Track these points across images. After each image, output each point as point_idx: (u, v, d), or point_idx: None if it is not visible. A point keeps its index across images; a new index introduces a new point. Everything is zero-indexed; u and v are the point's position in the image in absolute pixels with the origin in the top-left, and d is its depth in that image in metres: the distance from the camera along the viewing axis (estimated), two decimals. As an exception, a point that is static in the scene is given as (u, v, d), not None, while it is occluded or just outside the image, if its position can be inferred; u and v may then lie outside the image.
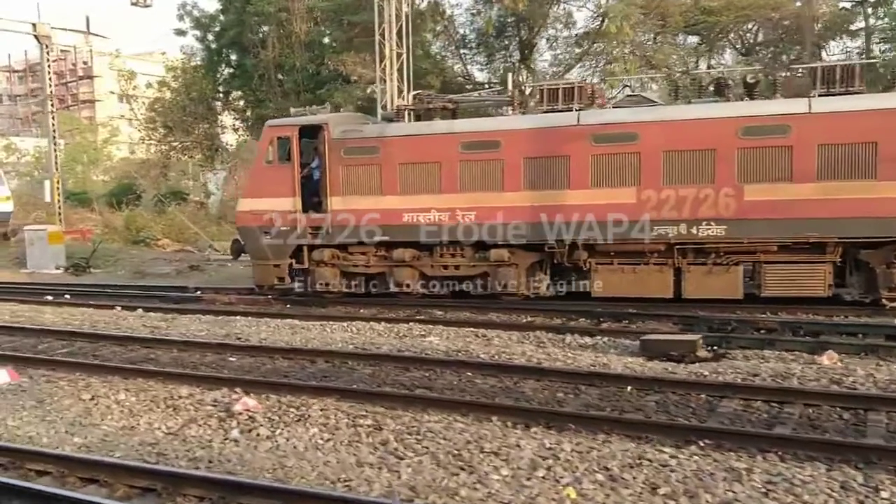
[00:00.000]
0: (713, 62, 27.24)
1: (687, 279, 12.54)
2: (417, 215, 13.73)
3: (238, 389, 7.84)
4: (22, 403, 7.61)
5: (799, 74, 12.81)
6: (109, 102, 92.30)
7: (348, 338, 10.95)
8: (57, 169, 28.56)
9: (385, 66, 17.95)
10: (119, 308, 14.76)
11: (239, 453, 6.08)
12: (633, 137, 12.43)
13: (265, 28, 33.75)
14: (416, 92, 16.16)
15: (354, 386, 7.99)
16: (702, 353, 9.35)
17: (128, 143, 79.25)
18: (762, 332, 10.96)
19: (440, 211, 13.58)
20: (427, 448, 5.98)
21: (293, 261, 14.76)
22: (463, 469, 5.57)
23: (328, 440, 6.29)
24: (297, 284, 15.26)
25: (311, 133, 14.57)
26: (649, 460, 5.53)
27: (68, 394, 7.92)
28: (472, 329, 11.35)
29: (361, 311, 13.87)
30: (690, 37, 26.93)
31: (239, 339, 11.01)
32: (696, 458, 5.58)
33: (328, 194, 14.25)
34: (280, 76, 33.61)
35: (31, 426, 6.90)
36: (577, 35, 25.48)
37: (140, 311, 14.37)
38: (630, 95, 13.53)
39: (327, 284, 14.66)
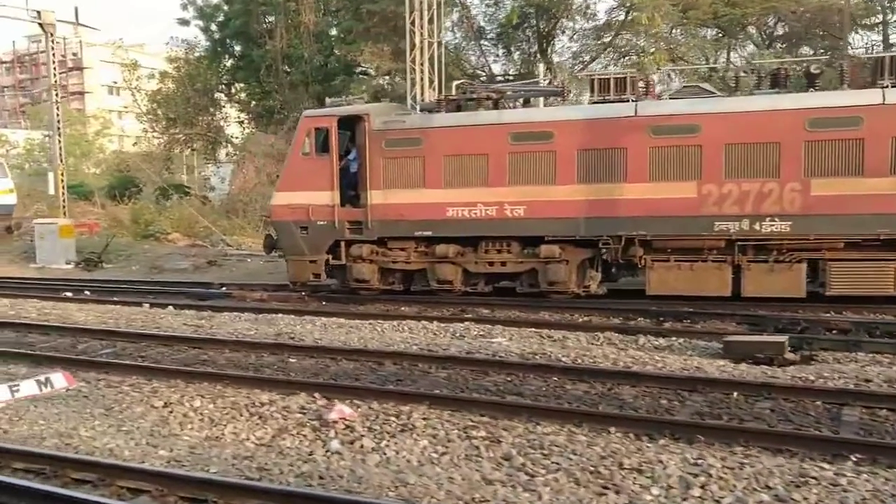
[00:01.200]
0: (733, 55, 26.85)
1: (746, 277, 12.10)
2: (462, 209, 13.21)
3: (315, 394, 7.34)
4: (90, 411, 7.05)
5: (866, 64, 12.36)
6: (99, 94, 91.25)
7: (406, 338, 10.43)
8: (61, 161, 27.75)
9: (415, 55, 17.39)
10: (147, 305, 14.15)
11: (348, 468, 5.56)
12: (695, 129, 11.96)
13: (272, 18, 33.07)
14: (459, 81, 15.65)
15: (461, 394, 7.48)
16: (788, 355, 8.92)
17: (119, 136, 78.27)
18: (834, 332, 10.56)
19: (487, 205, 13.07)
20: (558, 464, 5.49)
21: (329, 256, 14.21)
22: (607, 488, 5.08)
23: (443, 453, 5.79)
24: (332, 281, 14.72)
25: (349, 124, 14.02)
26: (814, 478, 5.06)
27: (136, 400, 7.36)
28: (534, 329, 10.84)
29: (403, 308, 13.34)
30: (709, 29, 26.53)
31: (292, 338, 10.46)
32: (864, 476, 5.12)
33: (368, 188, 13.70)
34: (287, 67, 32.92)
35: (108, 437, 6.34)
36: (599, 26, 24.94)
37: (171, 308, 13.79)
38: (687, 86, 13.06)
39: (364, 281, 14.12)
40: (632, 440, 5.98)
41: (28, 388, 7.57)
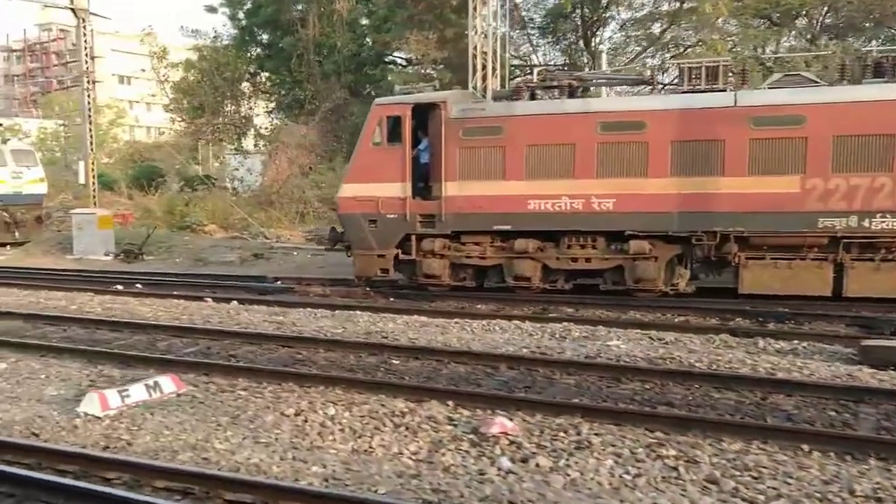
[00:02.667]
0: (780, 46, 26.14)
1: (850, 276, 11.48)
2: (545, 202, 12.60)
3: (449, 402, 6.76)
4: (215, 420, 6.45)
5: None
6: (110, 84, 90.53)
7: (506, 339, 9.82)
8: (92, 149, 27.15)
9: (476, 43, 16.71)
10: (209, 300, 13.55)
11: (534, 490, 4.98)
12: (800, 121, 11.32)
13: (304, 6, 32.38)
14: (540, 67, 15.02)
15: (620, 406, 6.92)
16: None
17: (132, 126, 77.66)
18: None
19: (573, 198, 12.45)
20: (776, 490, 4.89)
21: (399, 251, 13.62)
22: (851, 520, 4.50)
23: (636, 475, 5.19)
24: (397, 276, 14.14)
25: (422, 112, 13.39)
26: None
27: (261, 407, 6.76)
28: (640, 331, 10.22)
29: (479, 306, 12.77)
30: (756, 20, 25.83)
31: (385, 337, 9.87)
32: None
33: (443, 179, 13.08)
34: (319, 57, 32.26)
35: (247, 450, 5.76)
36: (649, 14, 24.23)
37: (235, 303, 13.18)
38: (788, 75, 12.41)
39: (434, 277, 13.52)
40: (836, 460, 5.38)
41: (138, 392, 6.98)
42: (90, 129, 27.40)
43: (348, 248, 14.68)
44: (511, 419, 6.15)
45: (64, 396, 7.30)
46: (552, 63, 26.37)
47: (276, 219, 26.26)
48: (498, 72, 16.89)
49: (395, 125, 13.32)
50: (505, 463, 5.46)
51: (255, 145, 35.92)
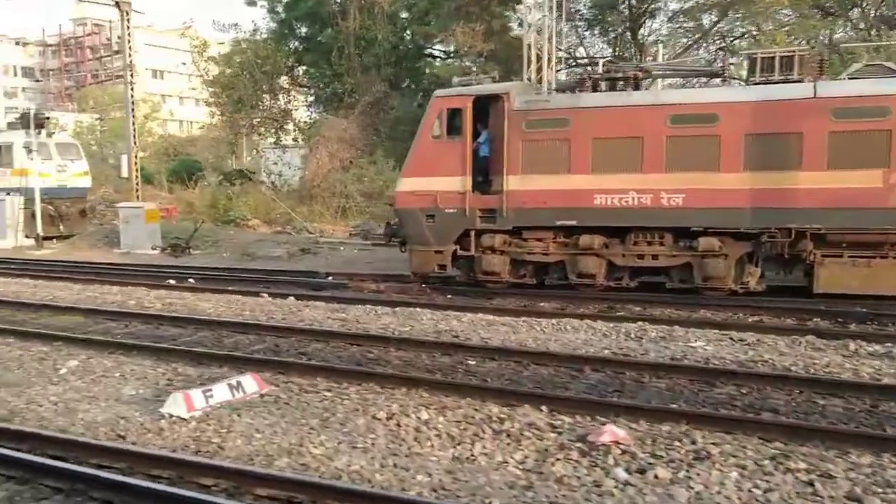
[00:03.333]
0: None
1: (935, 275, 11.01)
2: (612, 197, 12.23)
3: (542, 407, 6.48)
4: (305, 422, 6.22)
5: None
6: (143, 78, 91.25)
7: (581, 339, 9.50)
8: (135, 143, 27.24)
9: (532, 35, 16.35)
10: (265, 296, 13.38)
11: (661, 506, 4.67)
12: (885, 113, 10.84)
13: (342, -2, 32.20)
14: (605, 59, 14.63)
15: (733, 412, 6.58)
16: None
17: (165, 120, 78.14)
18: None
19: (640, 192, 12.07)
20: (929, 509, 4.54)
21: (457, 247, 13.34)
22: None
23: (767, 489, 4.86)
24: (457, 273, 13.86)
25: (484, 104, 13.08)
26: None
27: (349, 409, 6.52)
28: (718, 332, 9.83)
29: (542, 304, 12.44)
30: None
31: (456, 336, 9.61)
32: None
33: (505, 172, 12.77)
34: (358, 50, 32.04)
35: (345, 456, 5.51)
36: (700, 6, 23.65)
37: (292, 299, 13.00)
38: (870, 64, 11.93)
39: (493, 273, 13.23)
40: None
41: (221, 393, 6.78)
42: (133, 123, 27.51)
43: (402, 244, 14.47)
44: (619, 427, 5.83)
45: (143, 396, 7.13)
46: (597, 55, 25.86)
47: (318, 213, 26.13)
48: (553, 64, 16.50)
49: (455, 117, 13.04)
50: (621, 474, 5.16)
51: (294, 139, 35.83)
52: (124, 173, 27.66)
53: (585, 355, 8.44)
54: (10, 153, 24.96)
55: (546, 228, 12.80)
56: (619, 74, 12.93)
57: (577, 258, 12.69)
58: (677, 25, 24.88)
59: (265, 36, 35.25)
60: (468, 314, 11.23)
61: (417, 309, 11.70)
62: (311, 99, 36.54)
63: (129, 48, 27.55)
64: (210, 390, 6.74)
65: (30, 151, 22.30)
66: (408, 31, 32.01)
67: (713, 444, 5.55)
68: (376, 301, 12.50)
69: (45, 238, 23.30)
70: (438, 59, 34.22)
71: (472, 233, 13.15)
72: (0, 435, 6.00)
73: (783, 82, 11.63)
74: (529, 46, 16.18)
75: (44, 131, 24.18)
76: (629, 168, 12.11)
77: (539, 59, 16.25)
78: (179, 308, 11.98)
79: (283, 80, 35.96)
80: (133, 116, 27.37)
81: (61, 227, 24.89)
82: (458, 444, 5.77)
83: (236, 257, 19.88)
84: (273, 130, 36.43)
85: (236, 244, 21.40)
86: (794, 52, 12.10)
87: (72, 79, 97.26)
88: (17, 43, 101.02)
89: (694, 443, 5.58)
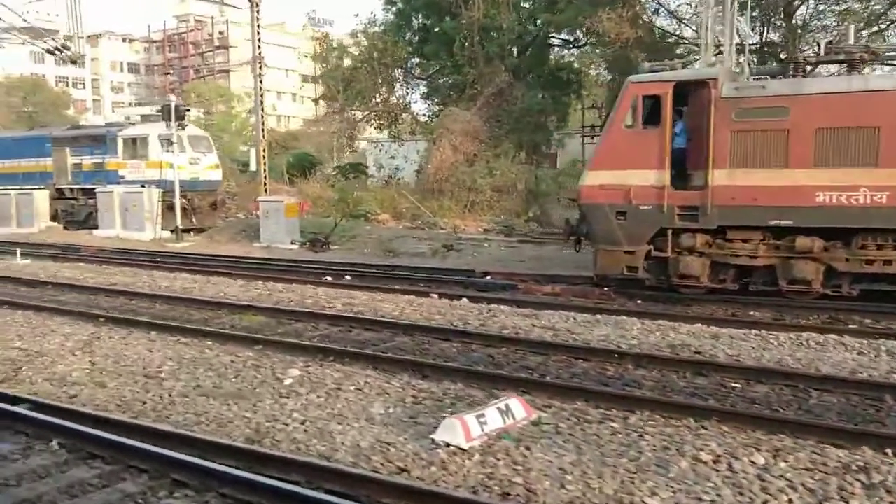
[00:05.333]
0: None
1: None
2: (839, 194, 10.83)
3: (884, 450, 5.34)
4: (611, 461, 5.23)
5: None
6: (243, 72, 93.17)
7: (840, 359, 8.23)
8: (264, 136, 27.08)
9: (709, 19, 14.99)
10: (435, 296, 12.57)
11: None
12: None
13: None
14: (828, 39, 13.23)
15: None
16: None
17: (268, 115, 79.32)
18: None
19: (875, 189, 10.64)
20: None
21: (651, 247, 12.20)
22: None
23: None
24: (646, 276, 12.70)
25: (683, 91, 11.89)
26: None
27: (656, 447, 5.51)
28: None
29: (753, 313, 11.18)
30: None
31: (698, 353, 8.50)
32: None
33: (709, 166, 11.53)
34: (481, 39, 31.15)
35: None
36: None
37: (465, 300, 12.14)
38: None
39: (690, 277, 12.01)
40: None
41: (493, 418, 5.89)
42: (262, 116, 27.38)
43: (577, 243, 13.46)
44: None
45: (396, 416, 6.31)
46: (752, 42, 24.04)
47: (447, 208, 25.37)
48: (732, 49, 15.08)
49: (653, 105, 11.89)
50: None
51: (411, 132, 35.27)
52: (253, 167, 27.60)
53: (884, 382, 7.19)
54: (146, 145, 25.15)
55: (755, 228, 11.52)
56: (841, 57, 11.51)
57: (790, 262, 11.35)
58: (844, 9, 22.82)
59: (382, 28, 34.81)
60: (684, 325, 10.07)
61: (623, 317, 10.61)
62: (426, 91, 35.86)
63: (259, 40, 27.39)
64: (483, 416, 5.85)
65: (170, 143, 22.26)
66: (536, 20, 30.87)
67: None
68: (570, 307, 11.51)
69: (184, 230, 23.30)
70: (562, 48, 33.06)
71: (669, 232, 11.98)
72: (264, 462, 5.26)
73: None
74: (705, 31, 14.83)
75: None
76: (862, 162, 10.69)
77: (719, 44, 14.89)
78: (361, 309, 11.27)
79: (400, 72, 35.48)
80: (262, 110, 27.22)
81: (193, 220, 24.92)
82: (825, 502, 4.68)
83: (378, 253, 19.24)
84: (388, 123, 35.99)
85: (374, 240, 20.79)
86: None
87: (175, 74, 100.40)
88: (124, 40, 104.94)
89: None
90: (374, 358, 8.12)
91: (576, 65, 24.42)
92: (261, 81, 27.31)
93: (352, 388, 7.10)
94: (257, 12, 27.44)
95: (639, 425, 5.98)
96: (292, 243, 20.56)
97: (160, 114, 22.95)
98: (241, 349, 8.73)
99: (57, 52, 22.05)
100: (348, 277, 15.01)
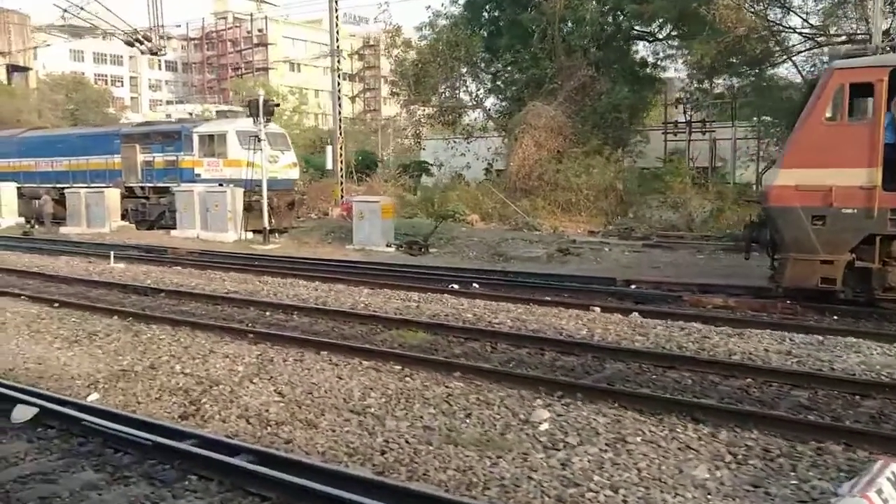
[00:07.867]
0: None
1: None
2: None
3: None
4: None
5: None
6: (281, 70, 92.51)
7: None
8: (340, 134, 25.90)
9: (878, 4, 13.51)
10: (597, 309, 11.12)
11: None
12: None
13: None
14: None
15: None
16: None
17: (314, 113, 78.46)
18: None
19: None
20: None
21: (853, 256, 10.70)
22: None
23: None
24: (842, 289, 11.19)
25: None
26: None
27: None
28: None
29: None
30: None
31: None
32: None
33: (934, 165, 10.04)
34: (562, 32, 29.70)
35: None
36: None
37: (636, 315, 10.72)
38: None
39: (897, 290, 10.51)
40: None
41: (890, 491, 4.48)
42: (339, 113, 26.19)
43: (748, 251, 12.04)
44: None
45: (733, 483, 4.92)
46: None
47: (540, 208, 23.96)
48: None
49: (860, 95, 10.41)
50: None
51: (483, 128, 33.87)
52: (329, 165, 26.44)
53: None
54: (224, 143, 24.03)
55: None
56: None
57: None
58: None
59: (454, 20, 33.41)
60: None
61: (850, 338, 9.10)
62: (498, 85, 34.40)
63: (337, 33, 26.21)
64: (880, 488, 4.45)
65: (258, 140, 21.08)
66: (622, 12, 29.33)
67: None
68: (762, 323, 10.07)
69: (270, 232, 22.12)
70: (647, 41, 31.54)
71: (878, 238, 10.48)
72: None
73: None
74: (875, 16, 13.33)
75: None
76: None
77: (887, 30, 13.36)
78: (536, 326, 9.88)
79: (468, 68, 34.06)
80: (340, 106, 26.05)
81: (272, 221, 23.75)
82: None
83: (486, 258, 17.85)
84: (452, 120, 34.61)
85: (475, 243, 19.41)
86: None
87: (213, 72, 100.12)
88: (162, 37, 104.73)
89: None
90: (625, 395, 6.70)
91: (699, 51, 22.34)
92: (339, 77, 26.16)
93: (637, 438, 5.70)
94: (337, 7, 26.27)
95: None
96: (388, 246, 19.27)
97: (245, 109, 21.75)
98: (445, 378, 7.39)
99: (137, 44, 20.96)
100: (476, 286, 13.65)
